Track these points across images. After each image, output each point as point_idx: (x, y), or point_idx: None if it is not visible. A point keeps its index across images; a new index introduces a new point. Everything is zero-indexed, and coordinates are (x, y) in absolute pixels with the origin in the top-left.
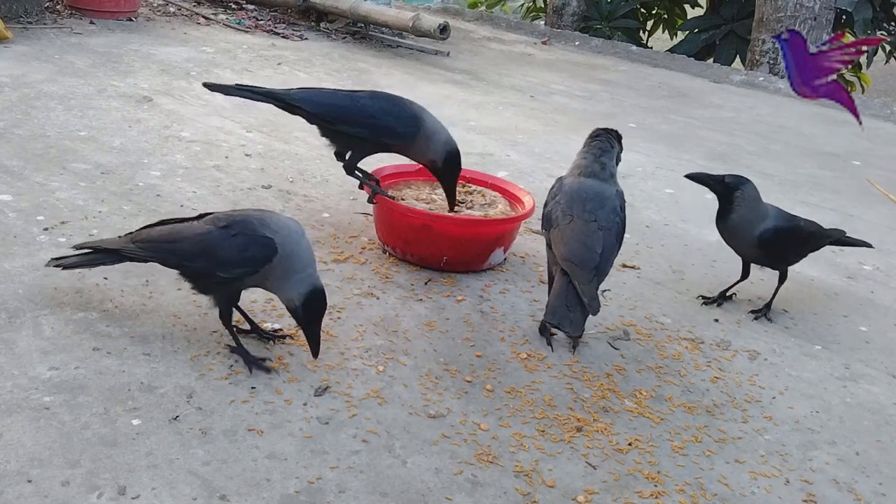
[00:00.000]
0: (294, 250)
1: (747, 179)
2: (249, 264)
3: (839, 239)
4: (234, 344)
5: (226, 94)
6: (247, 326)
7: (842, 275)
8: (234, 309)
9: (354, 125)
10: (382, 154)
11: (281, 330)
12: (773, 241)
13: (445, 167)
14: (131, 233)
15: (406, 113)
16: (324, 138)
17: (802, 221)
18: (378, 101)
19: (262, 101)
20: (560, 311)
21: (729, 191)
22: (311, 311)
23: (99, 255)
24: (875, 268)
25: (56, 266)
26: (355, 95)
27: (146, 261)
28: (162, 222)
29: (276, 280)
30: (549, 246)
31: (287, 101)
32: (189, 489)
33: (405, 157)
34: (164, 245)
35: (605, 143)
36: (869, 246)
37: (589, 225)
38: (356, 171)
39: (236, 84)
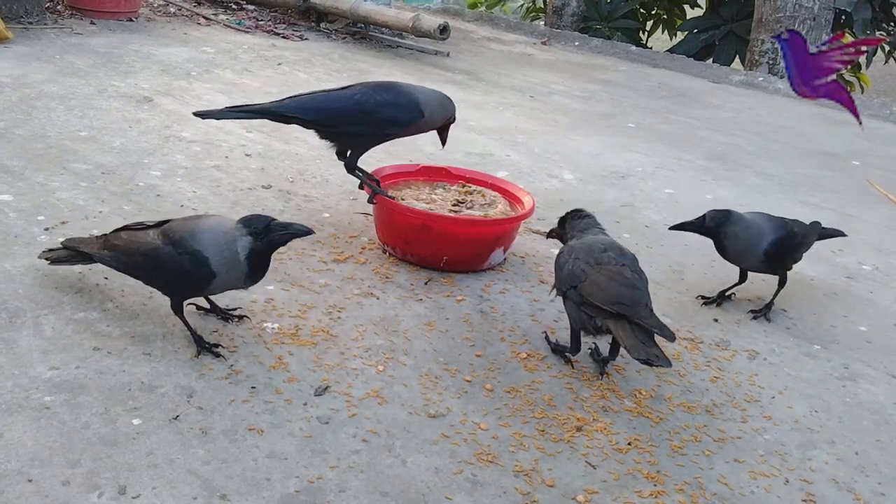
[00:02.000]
0: (230, 271)
1: (726, 213)
2: (193, 285)
3: (821, 234)
4: (213, 348)
5: (218, 119)
6: (206, 306)
7: (842, 275)
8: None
9: (355, 124)
10: (382, 154)
11: (238, 309)
12: (776, 252)
13: (450, 122)
14: (105, 235)
15: (405, 99)
16: (323, 140)
17: (795, 226)
18: (374, 94)
19: (256, 118)
20: (642, 349)
21: (714, 232)
22: (259, 235)
23: (79, 254)
24: (875, 268)
25: (46, 259)
26: (349, 94)
27: (115, 269)
28: (128, 227)
29: (222, 287)
30: (577, 303)
31: (281, 114)
32: (189, 489)
33: (404, 156)
34: (124, 258)
35: (588, 217)
36: (843, 235)
37: (621, 268)
38: (357, 171)
39: (226, 107)
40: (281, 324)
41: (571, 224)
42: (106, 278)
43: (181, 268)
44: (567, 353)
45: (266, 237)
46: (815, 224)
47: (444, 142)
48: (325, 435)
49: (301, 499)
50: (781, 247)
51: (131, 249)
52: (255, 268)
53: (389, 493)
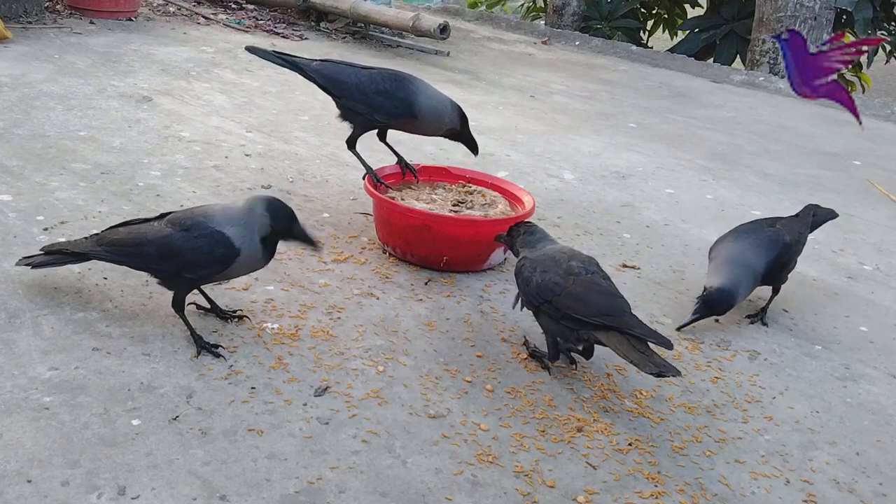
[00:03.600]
0: (249, 250)
1: (719, 290)
2: (215, 265)
3: (813, 222)
4: (209, 343)
5: (262, 59)
6: (207, 305)
7: (842, 275)
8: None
9: (353, 100)
10: (383, 154)
11: (238, 309)
12: (769, 272)
13: (463, 128)
14: (98, 234)
15: (402, 95)
16: (337, 110)
17: (787, 233)
18: (376, 81)
19: (291, 70)
20: (648, 362)
21: (721, 309)
22: (280, 225)
23: (66, 255)
24: (875, 268)
25: (26, 265)
26: (360, 72)
27: (115, 262)
28: (126, 223)
29: (240, 269)
30: (556, 317)
31: (305, 73)
32: (189, 489)
33: (405, 156)
34: (130, 249)
35: (538, 232)
36: (835, 216)
37: (594, 277)
38: (355, 151)
39: (274, 51)
40: (281, 324)
41: (522, 239)
42: (105, 278)
43: (201, 250)
44: (545, 360)
45: (286, 230)
46: (806, 211)
47: (472, 149)
48: (325, 435)
49: (301, 499)
50: (773, 268)
51: (139, 240)
52: (268, 249)
53: (389, 494)
